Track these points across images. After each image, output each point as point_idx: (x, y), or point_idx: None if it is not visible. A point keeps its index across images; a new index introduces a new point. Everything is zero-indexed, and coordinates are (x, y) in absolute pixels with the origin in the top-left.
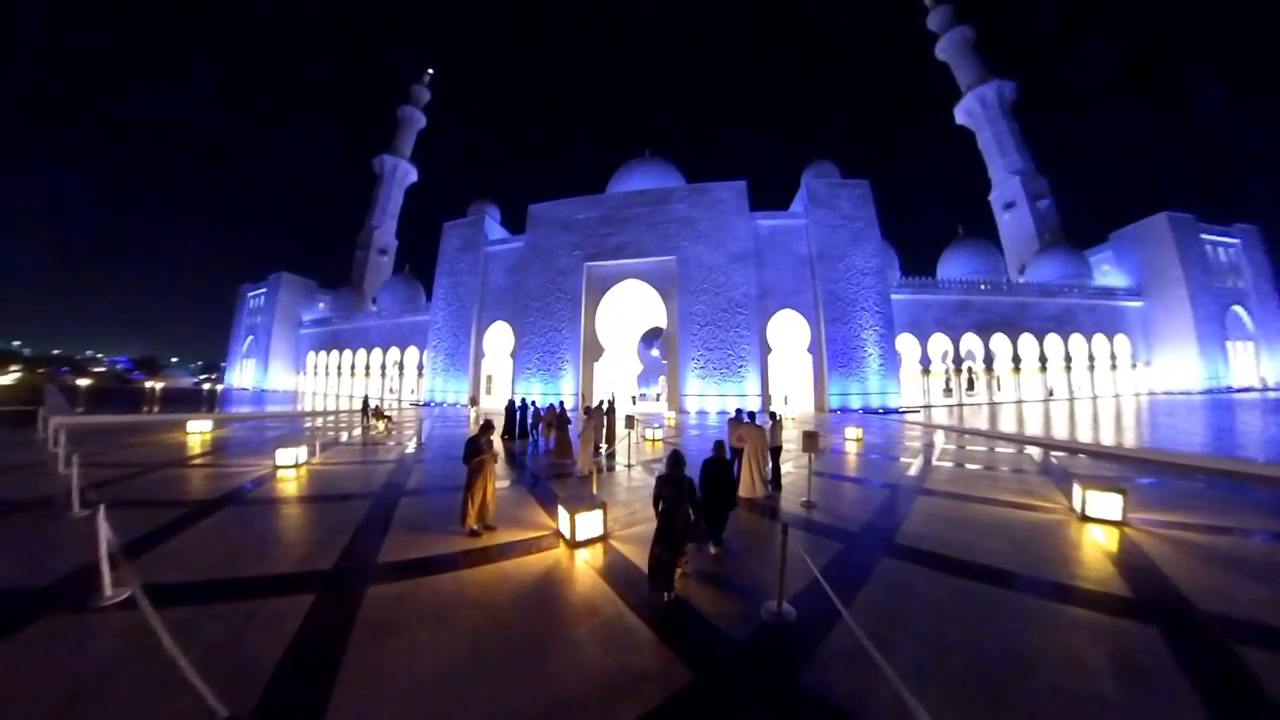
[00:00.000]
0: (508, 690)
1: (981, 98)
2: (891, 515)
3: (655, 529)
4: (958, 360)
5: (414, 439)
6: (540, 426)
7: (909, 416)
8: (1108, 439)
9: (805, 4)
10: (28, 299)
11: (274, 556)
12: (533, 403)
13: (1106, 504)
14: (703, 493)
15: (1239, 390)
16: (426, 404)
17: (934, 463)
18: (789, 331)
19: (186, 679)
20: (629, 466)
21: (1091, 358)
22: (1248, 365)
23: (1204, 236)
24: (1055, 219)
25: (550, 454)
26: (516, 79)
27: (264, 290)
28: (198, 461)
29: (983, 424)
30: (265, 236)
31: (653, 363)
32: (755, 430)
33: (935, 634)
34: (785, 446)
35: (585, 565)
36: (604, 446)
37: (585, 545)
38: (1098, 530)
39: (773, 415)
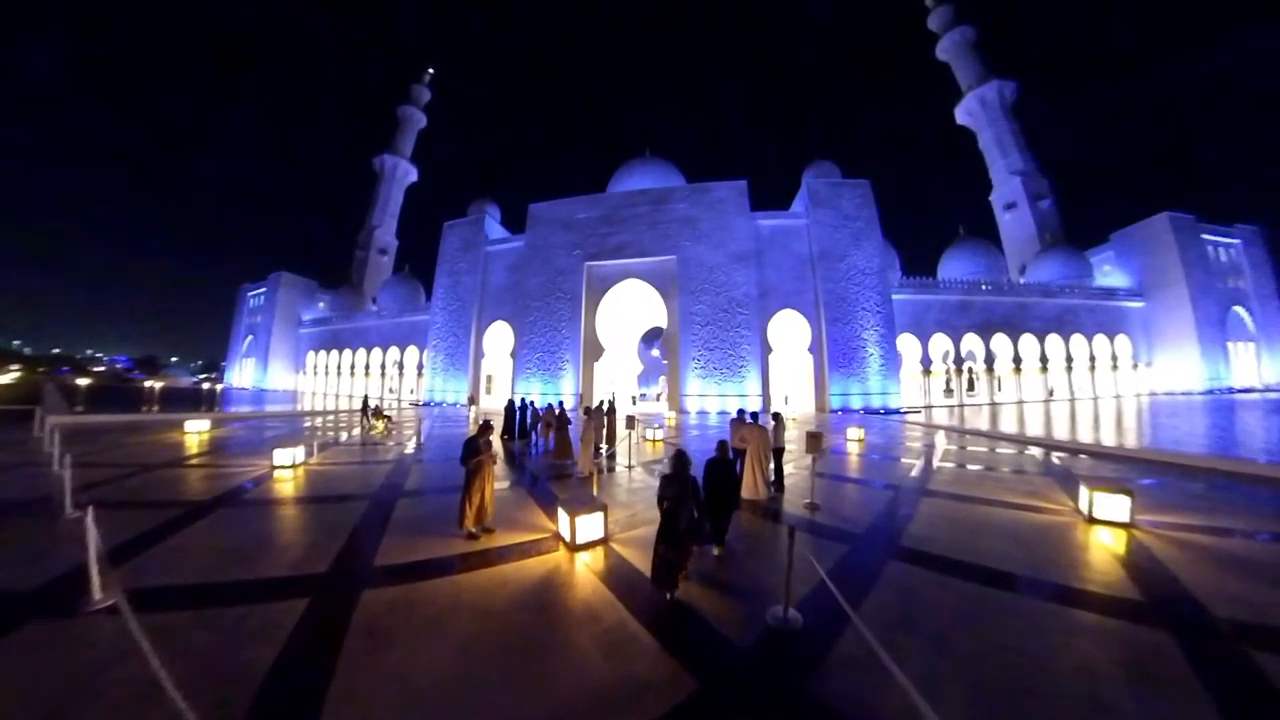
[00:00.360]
0: (506, 701)
1: (982, 98)
2: (896, 517)
3: (658, 528)
4: (958, 361)
5: (413, 439)
6: (539, 427)
7: (910, 417)
8: (1109, 440)
9: (806, 4)
10: (28, 299)
11: (268, 560)
12: (531, 403)
13: (1114, 506)
14: (706, 493)
15: (1240, 391)
16: (426, 404)
17: (937, 464)
18: (790, 331)
19: (173, 691)
20: (629, 467)
21: (1092, 358)
22: (1249, 366)
23: (1205, 237)
24: (1056, 219)
25: (550, 455)
26: (517, 79)
27: (264, 290)
28: (194, 461)
29: (984, 424)
30: (265, 236)
31: (653, 363)
32: (758, 431)
33: (946, 640)
34: (787, 447)
35: (586, 569)
36: (604, 447)
37: (586, 548)
38: (1105, 533)
39: (776, 416)
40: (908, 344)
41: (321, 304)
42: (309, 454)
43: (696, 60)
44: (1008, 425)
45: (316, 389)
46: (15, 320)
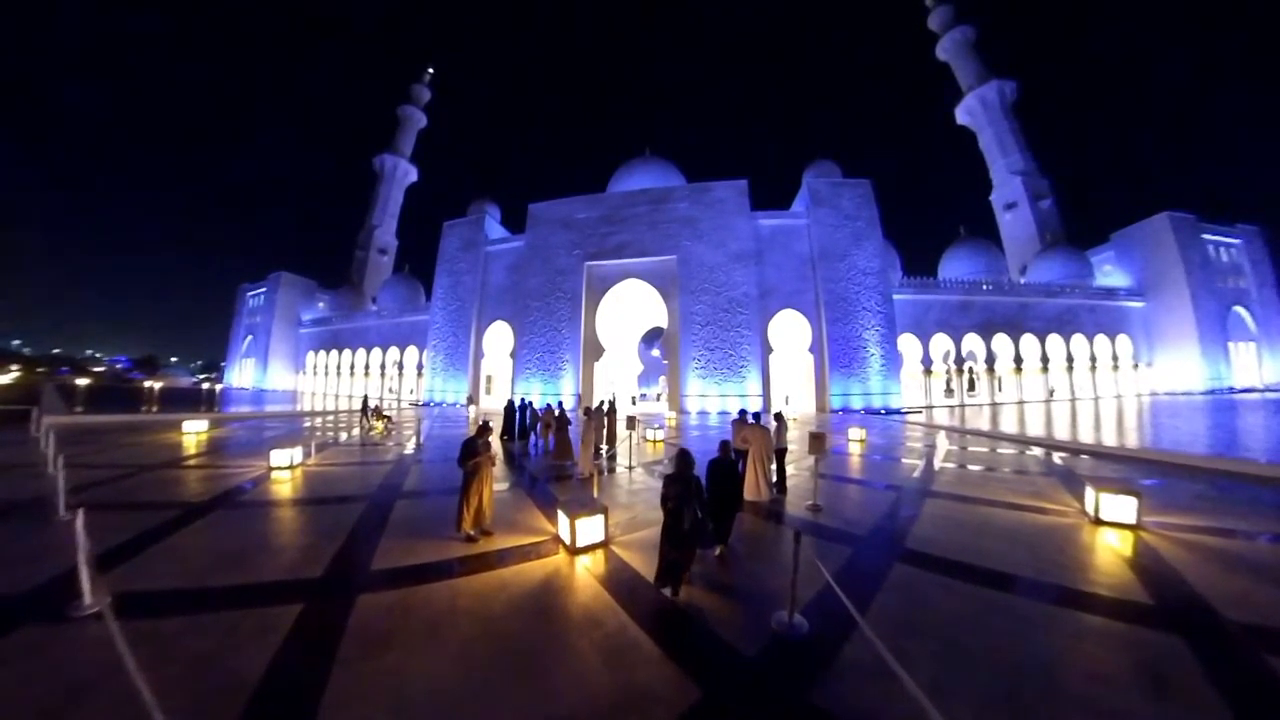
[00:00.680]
0: (504, 711)
1: (982, 98)
2: (900, 519)
3: (662, 528)
4: (959, 361)
5: (413, 439)
6: (539, 427)
7: (911, 417)
8: (1111, 440)
9: (807, 4)
10: (28, 299)
11: (263, 563)
12: (529, 403)
13: (1120, 507)
14: (709, 493)
15: (1241, 391)
16: (426, 404)
17: (939, 464)
18: (790, 331)
19: (162, 701)
20: (630, 468)
21: (1093, 358)
22: (1249, 366)
23: (1205, 236)
24: (1056, 219)
25: (550, 456)
26: (517, 78)
27: (263, 290)
28: (191, 462)
29: (985, 425)
30: (265, 236)
31: (653, 363)
32: (760, 431)
33: (955, 646)
34: (788, 448)
35: (586, 573)
36: (605, 448)
37: (586, 551)
38: (1112, 534)
39: (778, 416)
40: (908, 344)
41: (321, 304)
42: (307, 455)
43: (696, 60)
44: (1009, 425)
45: (316, 389)
46: (15, 320)
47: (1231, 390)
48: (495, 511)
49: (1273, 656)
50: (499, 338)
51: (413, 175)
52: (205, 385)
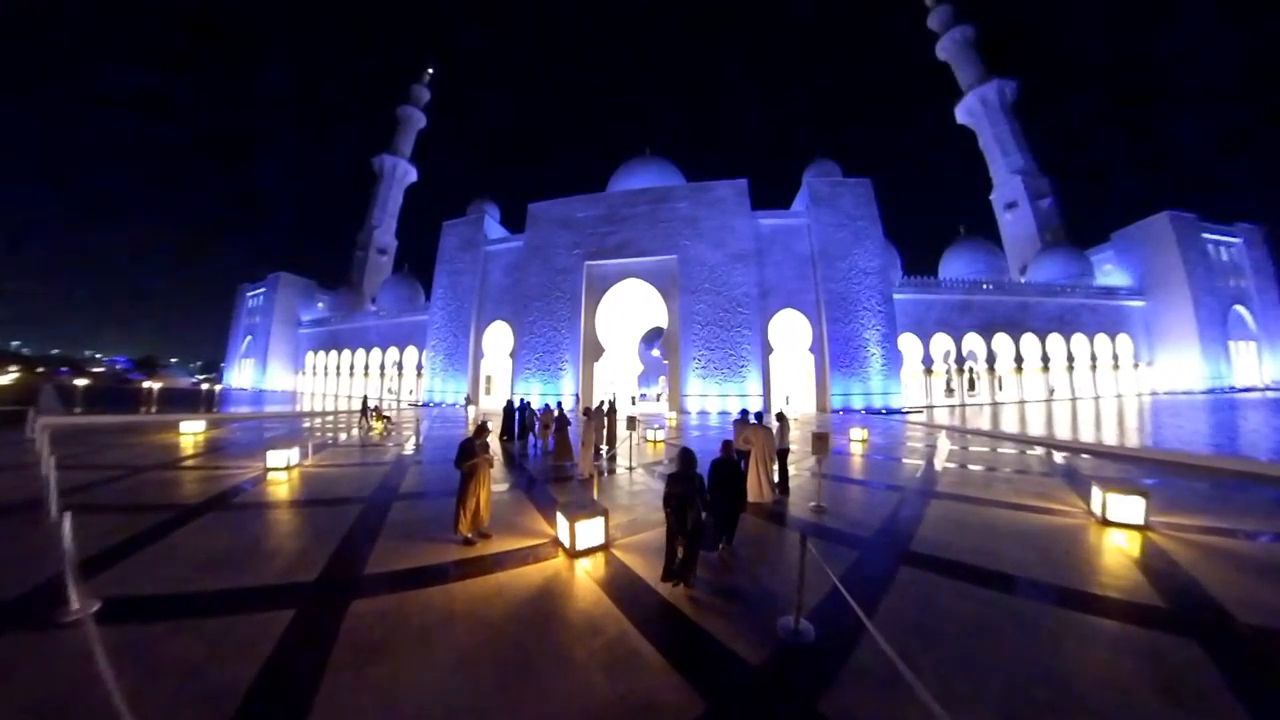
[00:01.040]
0: None
1: (982, 97)
2: (906, 520)
3: (667, 528)
4: (960, 360)
5: (411, 440)
6: (537, 427)
7: (911, 417)
8: (1112, 439)
9: (807, 3)
10: (27, 299)
11: (255, 567)
12: (527, 404)
13: (1128, 507)
14: (712, 493)
15: (1241, 390)
16: (425, 404)
17: (942, 464)
18: (791, 331)
19: (142, 716)
20: (630, 469)
21: (1094, 358)
22: (1250, 365)
23: (1206, 236)
24: (1056, 218)
25: (549, 456)
26: (516, 78)
27: (263, 290)
28: (187, 463)
29: (986, 424)
30: (265, 236)
31: (653, 363)
32: (763, 432)
33: (966, 652)
34: (790, 448)
35: (586, 577)
36: (605, 449)
37: (586, 555)
38: (1120, 535)
39: (780, 416)
40: (909, 344)
41: (321, 304)
42: (304, 456)
43: (696, 59)
44: (1010, 425)
45: (316, 389)
46: (14, 321)
47: (1232, 389)
48: (493, 513)
49: None
50: (498, 338)
51: (412, 175)
52: (204, 386)
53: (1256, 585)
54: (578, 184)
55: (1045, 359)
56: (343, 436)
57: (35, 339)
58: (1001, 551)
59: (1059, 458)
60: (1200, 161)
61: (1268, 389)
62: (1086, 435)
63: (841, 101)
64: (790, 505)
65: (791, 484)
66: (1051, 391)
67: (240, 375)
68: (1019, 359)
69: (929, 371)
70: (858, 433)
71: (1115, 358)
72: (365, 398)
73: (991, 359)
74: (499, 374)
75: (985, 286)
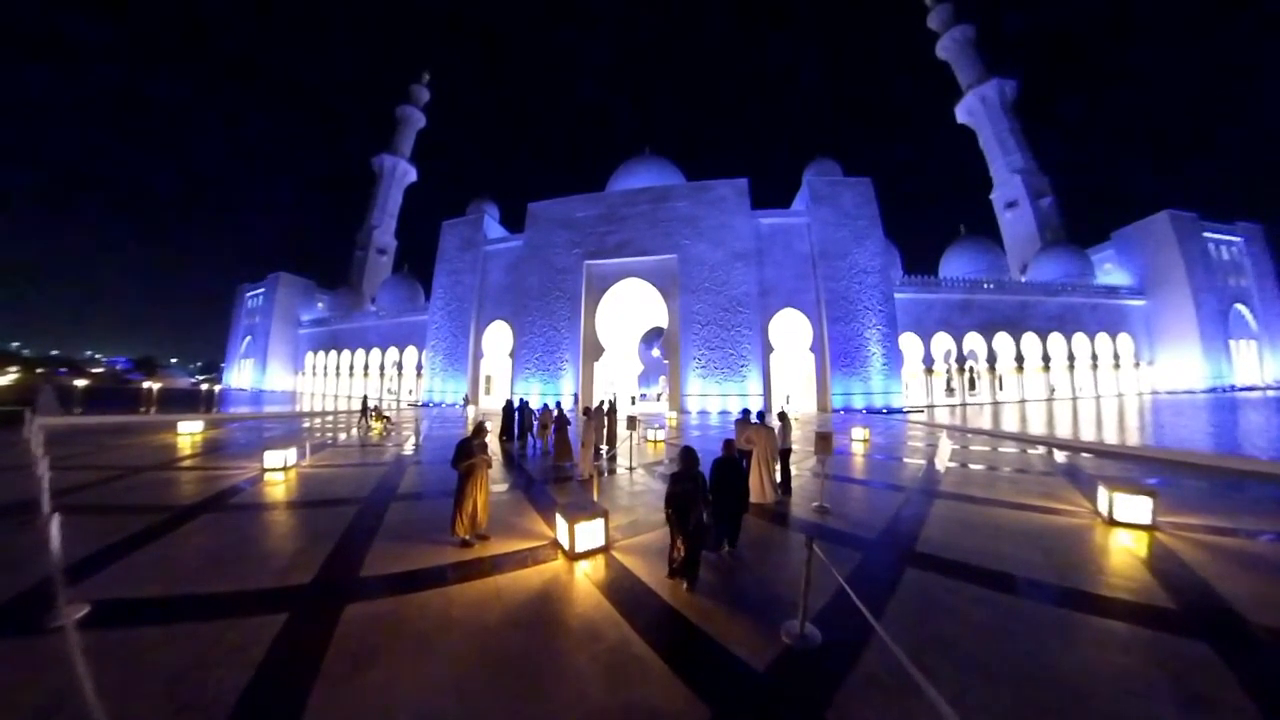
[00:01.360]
0: None
1: (982, 96)
2: (910, 521)
3: (670, 528)
4: (961, 359)
5: (411, 440)
6: (536, 427)
7: (912, 416)
8: (1113, 438)
9: (807, 3)
10: (27, 300)
11: (249, 569)
12: (526, 403)
13: (1135, 507)
14: (715, 493)
15: (1242, 389)
16: (425, 404)
17: (945, 464)
18: (791, 331)
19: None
20: (630, 470)
21: (1094, 357)
22: (1251, 364)
23: (1206, 235)
24: (1057, 217)
25: (549, 457)
26: (516, 78)
27: (262, 290)
28: (184, 464)
29: (987, 424)
30: (265, 236)
31: (653, 363)
32: (765, 431)
33: (975, 657)
34: (792, 448)
35: (585, 580)
36: (605, 449)
37: (585, 557)
38: (1127, 535)
39: (782, 416)
40: (910, 343)
41: (320, 304)
42: (302, 456)
43: (696, 58)
44: (1011, 424)
45: (315, 390)
46: (14, 321)
47: (1233, 388)
48: (492, 515)
49: None
50: (498, 338)
51: (412, 175)
52: (204, 386)
53: (1266, 585)
54: (577, 184)
55: (1046, 358)
56: (342, 437)
57: (35, 340)
58: (1008, 552)
59: (1061, 457)
60: (1200, 161)
61: (1269, 388)
62: (1088, 434)
63: (842, 101)
64: (793, 506)
65: (794, 484)
66: (1052, 391)
67: (240, 375)
68: (1020, 358)
69: (930, 371)
70: (859, 432)
71: (1116, 357)
72: (365, 398)
73: (992, 358)
74: (499, 374)
75: (986, 286)
